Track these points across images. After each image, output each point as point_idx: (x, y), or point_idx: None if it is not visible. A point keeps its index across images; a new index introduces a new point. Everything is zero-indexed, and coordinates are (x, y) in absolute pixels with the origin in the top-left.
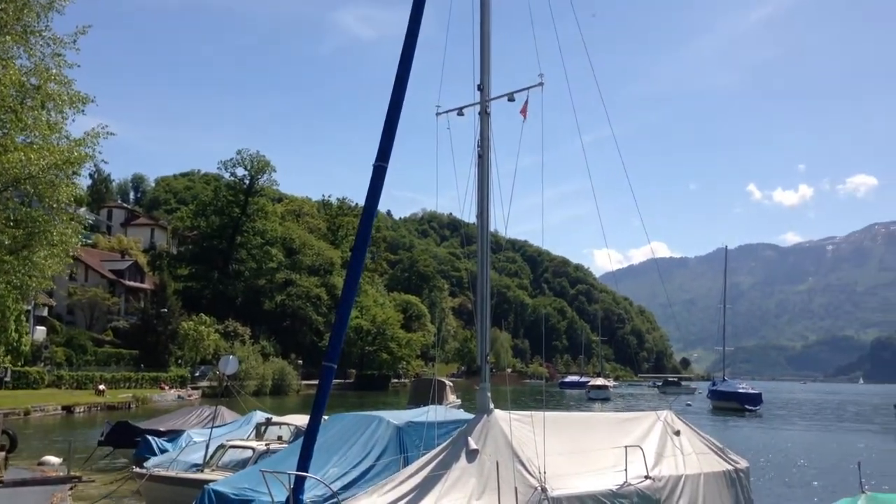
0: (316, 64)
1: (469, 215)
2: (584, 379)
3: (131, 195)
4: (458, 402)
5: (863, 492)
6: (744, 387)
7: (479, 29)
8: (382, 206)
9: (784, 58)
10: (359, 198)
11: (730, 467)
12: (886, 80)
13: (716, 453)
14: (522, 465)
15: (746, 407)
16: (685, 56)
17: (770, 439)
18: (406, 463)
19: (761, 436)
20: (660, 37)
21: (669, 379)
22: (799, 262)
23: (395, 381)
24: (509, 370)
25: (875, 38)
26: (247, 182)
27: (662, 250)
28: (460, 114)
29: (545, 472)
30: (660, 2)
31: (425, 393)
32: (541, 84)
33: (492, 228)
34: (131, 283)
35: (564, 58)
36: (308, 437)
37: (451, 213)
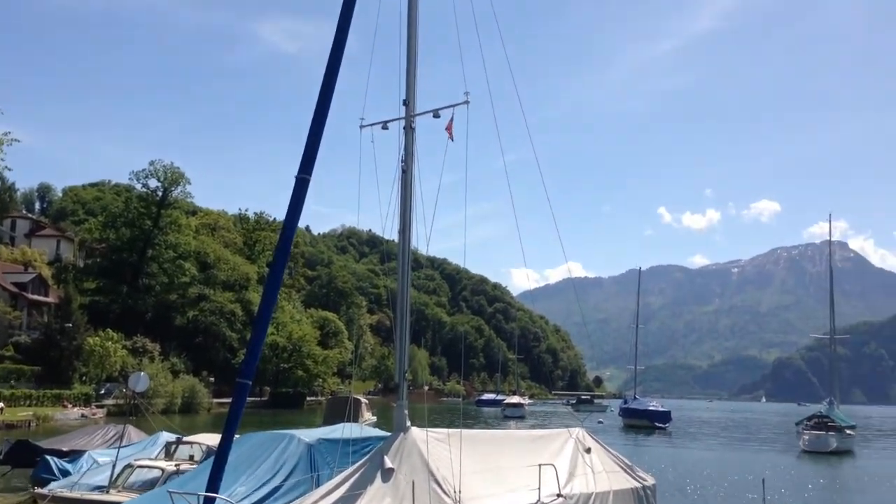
0: (236, 75)
1: (391, 232)
2: (500, 397)
3: (37, 205)
4: (374, 419)
5: None
6: (654, 405)
7: (406, 44)
8: (301, 221)
9: (692, 86)
10: (276, 212)
11: (637, 484)
12: (788, 110)
13: (624, 471)
14: (438, 484)
15: (656, 424)
16: (599, 81)
17: (678, 456)
18: (317, 482)
19: (670, 453)
20: (574, 61)
21: (583, 397)
22: (706, 283)
23: (311, 398)
24: (427, 388)
25: (778, 69)
26: (160, 194)
27: (578, 270)
28: (385, 128)
29: (460, 492)
30: (575, 27)
31: (341, 410)
32: (466, 102)
33: (412, 245)
34: (34, 297)
35: (489, 78)
36: (219, 456)
37: (370, 230)
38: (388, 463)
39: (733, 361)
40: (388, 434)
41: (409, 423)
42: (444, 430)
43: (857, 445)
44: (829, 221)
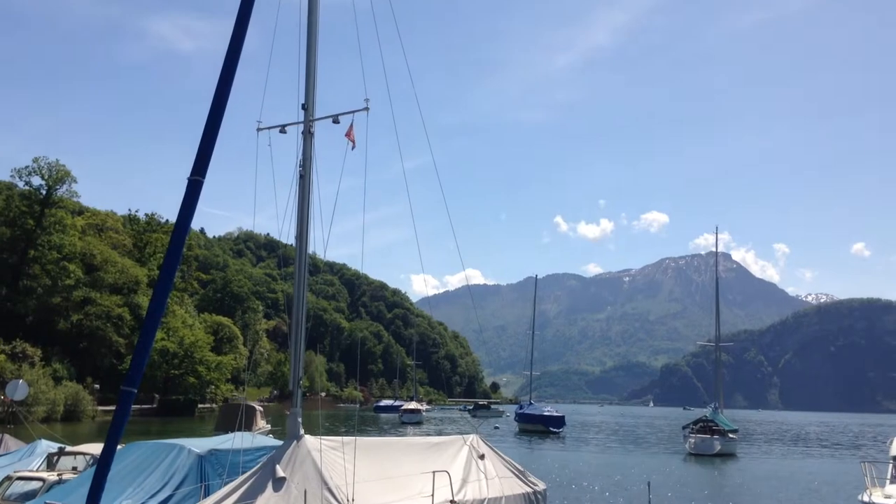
0: (128, 72)
1: (288, 236)
2: (398, 403)
3: None
4: (268, 427)
5: None
6: (549, 410)
7: (306, 47)
8: (196, 224)
9: (588, 100)
10: (170, 214)
11: (529, 490)
12: (678, 127)
13: (517, 476)
14: (331, 492)
15: (551, 429)
16: (500, 91)
17: (571, 460)
18: (207, 493)
19: (563, 457)
20: (476, 71)
21: (480, 402)
22: (599, 292)
23: (203, 406)
24: (323, 394)
25: (669, 86)
26: (43, 192)
27: (477, 277)
28: (283, 131)
29: (353, 500)
30: (476, 38)
31: (233, 418)
32: (366, 109)
33: (310, 250)
34: None
35: (390, 84)
36: (101, 466)
37: (268, 234)
38: (280, 472)
39: (624, 367)
40: (281, 442)
41: (302, 431)
42: (339, 438)
43: (740, 448)
44: (716, 234)
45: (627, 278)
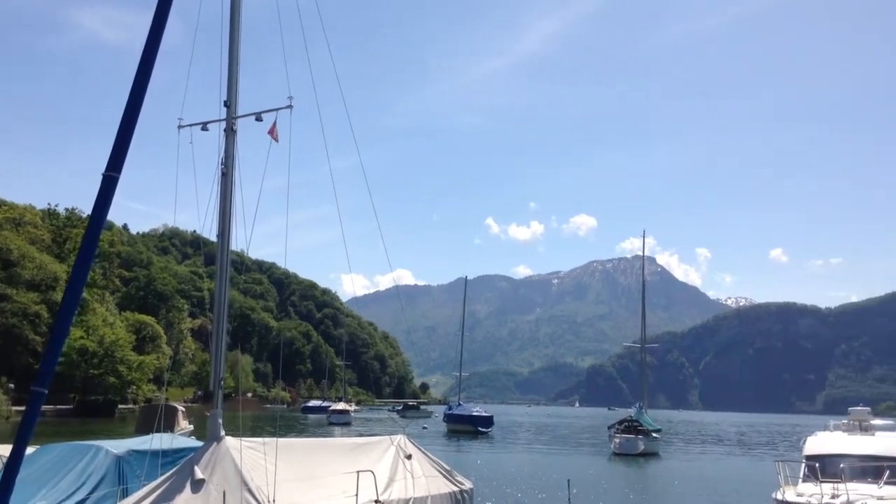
0: (48, 62)
1: (211, 234)
2: (326, 403)
3: None
4: (191, 428)
5: None
6: (477, 410)
7: (228, 43)
8: (119, 220)
9: (520, 105)
10: (91, 209)
11: (456, 489)
12: (605, 131)
13: (443, 476)
14: (251, 493)
15: (479, 429)
16: (433, 93)
17: (498, 460)
18: (125, 495)
19: (491, 457)
20: (409, 73)
21: (409, 403)
22: (529, 293)
23: (124, 406)
24: (249, 395)
25: (597, 92)
26: None
27: (408, 278)
28: (204, 129)
29: (274, 500)
30: (410, 40)
31: (153, 419)
32: (290, 106)
33: (237, 248)
34: None
35: (317, 84)
36: (9, 468)
37: (194, 231)
38: (199, 473)
39: (552, 368)
40: (202, 444)
41: (222, 432)
42: (261, 439)
43: (663, 448)
44: (643, 238)
45: (556, 280)
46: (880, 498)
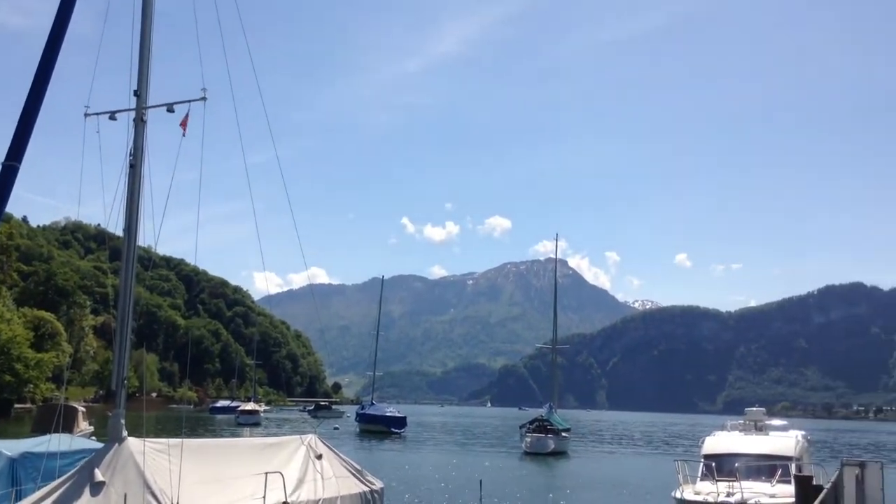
0: None
1: (117, 228)
2: (235, 403)
3: None
4: (91, 429)
5: None
6: (390, 410)
7: (140, 30)
8: (18, 211)
9: (437, 105)
10: None
11: (366, 489)
12: (519, 135)
13: (354, 476)
14: (154, 497)
15: (392, 429)
16: (352, 91)
17: (411, 460)
18: (18, 498)
19: (403, 457)
20: (326, 72)
21: (321, 403)
22: (443, 294)
23: (20, 406)
24: (154, 394)
25: (513, 96)
26: None
27: (322, 277)
28: (113, 118)
29: (178, 503)
30: (327, 38)
31: (51, 419)
32: (204, 98)
33: (144, 243)
34: None
35: (233, 76)
36: None
37: (98, 225)
38: (99, 476)
39: (465, 368)
40: (102, 445)
41: (125, 433)
42: (165, 440)
43: (572, 446)
44: (556, 241)
45: (471, 281)
46: (773, 496)
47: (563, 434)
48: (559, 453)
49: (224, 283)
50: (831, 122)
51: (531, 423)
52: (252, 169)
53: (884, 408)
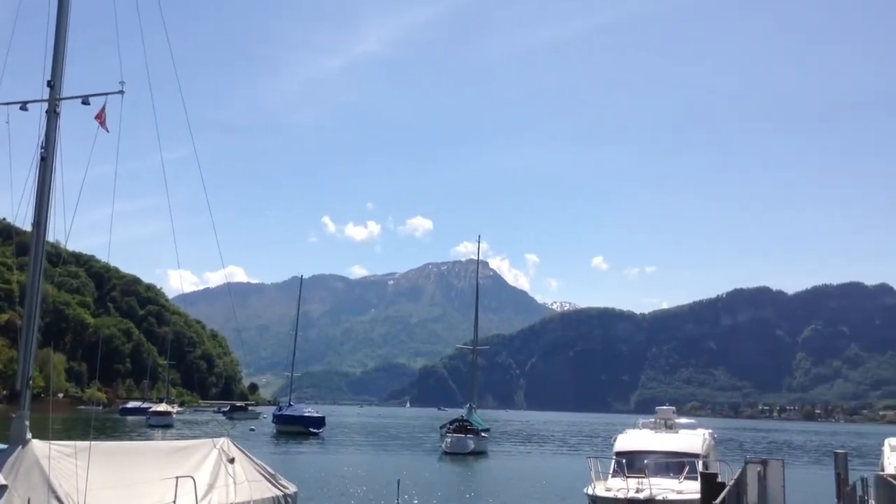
0: None
1: (25, 222)
2: (146, 405)
3: None
4: None
5: None
6: (309, 411)
7: (56, 19)
8: None
9: (359, 105)
10: None
11: (279, 493)
12: (445, 135)
13: (267, 480)
14: (60, 501)
15: (311, 430)
16: (272, 90)
17: (329, 461)
18: None
19: (322, 458)
20: (248, 69)
21: (236, 404)
22: (364, 294)
23: None
24: (61, 395)
25: (437, 98)
26: None
27: (240, 275)
28: (24, 108)
29: None
30: (248, 36)
31: None
32: (121, 92)
33: (53, 238)
34: None
35: (151, 71)
36: None
37: (4, 219)
38: (1, 479)
39: (384, 368)
40: (4, 448)
41: (29, 436)
42: (72, 443)
43: (490, 446)
44: (478, 243)
45: (392, 281)
46: (680, 492)
47: (483, 434)
48: (479, 453)
49: (137, 281)
50: (743, 128)
51: (451, 423)
52: (170, 165)
53: (787, 407)
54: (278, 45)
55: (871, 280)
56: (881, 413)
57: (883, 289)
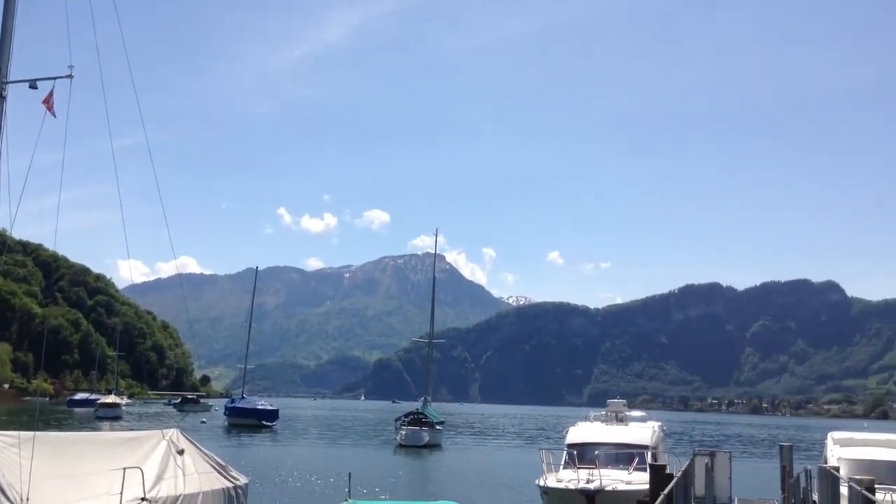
0: None
1: None
2: (94, 396)
3: None
4: None
5: (346, 499)
6: (262, 403)
7: (3, 2)
8: None
9: (318, 96)
10: None
11: (230, 484)
12: (404, 127)
13: (217, 471)
14: (2, 492)
15: (264, 423)
16: (229, 80)
17: (281, 454)
18: None
19: (274, 451)
20: (205, 58)
21: (188, 396)
22: (319, 286)
23: None
24: (6, 386)
25: (396, 90)
26: None
27: (193, 266)
28: None
29: (28, 499)
30: (205, 25)
31: None
32: (70, 76)
33: None
34: None
35: (103, 56)
36: None
37: None
38: None
39: (339, 361)
40: None
41: None
42: (16, 433)
43: (445, 439)
44: (436, 236)
45: (348, 274)
46: (629, 483)
47: (438, 427)
48: (433, 446)
49: (86, 271)
50: (697, 128)
51: (406, 416)
52: (121, 153)
53: (735, 401)
54: (237, 34)
55: (817, 277)
56: (825, 407)
57: (829, 286)
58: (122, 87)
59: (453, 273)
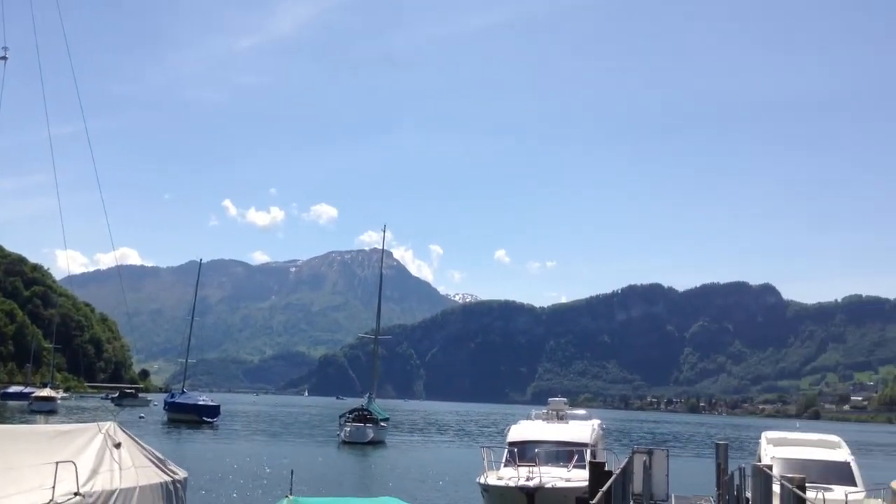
0: None
1: None
2: (28, 389)
3: None
4: None
5: (287, 496)
6: (203, 399)
7: None
8: None
9: (268, 86)
10: None
11: (168, 478)
12: (350, 122)
13: (155, 465)
14: None
15: (204, 419)
16: (175, 68)
17: (222, 450)
18: None
19: (214, 446)
20: (152, 43)
21: (126, 390)
22: (265, 280)
23: None
24: None
25: (346, 83)
26: None
27: (133, 257)
28: None
29: None
30: (151, 10)
31: None
32: (4, 58)
33: None
34: None
35: (41, 40)
36: None
37: None
38: None
39: (283, 357)
40: None
41: None
42: None
43: (389, 436)
44: (384, 232)
45: (294, 269)
46: (568, 480)
47: (382, 424)
48: (377, 443)
49: (22, 261)
50: (642, 126)
51: (351, 412)
52: (60, 140)
53: (674, 399)
54: (186, 21)
55: (755, 280)
56: (760, 407)
57: (766, 288)
58: (62, 72)
59: (400, 269)
